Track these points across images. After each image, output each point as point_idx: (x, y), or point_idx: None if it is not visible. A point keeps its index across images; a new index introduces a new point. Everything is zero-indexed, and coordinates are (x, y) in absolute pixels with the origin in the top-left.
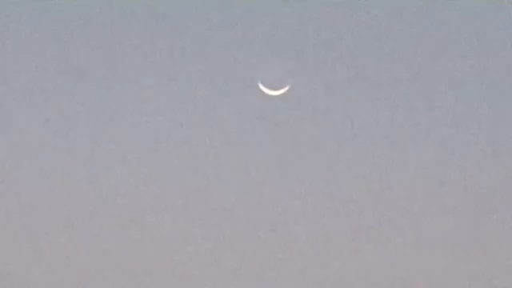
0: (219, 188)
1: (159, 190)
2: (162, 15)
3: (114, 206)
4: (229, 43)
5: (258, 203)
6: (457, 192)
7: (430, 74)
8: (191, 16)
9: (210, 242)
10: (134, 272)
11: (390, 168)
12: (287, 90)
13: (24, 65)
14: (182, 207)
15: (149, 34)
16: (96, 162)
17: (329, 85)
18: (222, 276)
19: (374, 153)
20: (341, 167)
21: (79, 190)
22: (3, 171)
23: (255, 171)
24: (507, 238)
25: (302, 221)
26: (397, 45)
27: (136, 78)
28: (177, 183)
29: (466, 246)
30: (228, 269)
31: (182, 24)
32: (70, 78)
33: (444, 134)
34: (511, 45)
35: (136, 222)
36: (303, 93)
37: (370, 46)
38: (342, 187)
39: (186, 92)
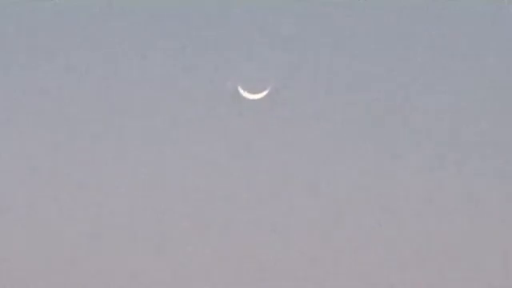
0: (205, 189)
1: (147, 192)
2: (146, 19)
3: (113, 207)
4: (207, 45)
5: (247, 205)
6: (456, 193)
7: (430, 75)
8: (172, 16)
9: (199, 245)
10: (134, 272)
11: (385, 170)
12: (268, 93)
13: (23, 64)
14: (170, 210)
15: (128, 40)
16: (94, 163)
17: (313, 86)
18: (222, 278)
19: (368, 153)
20: (329, 169)
21: (79, 190)
22: (3, 171)
23: (239, 175)
24: (507, 238)
25: (294, 224)
26: (386, 44)
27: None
28: (162, 184)
29: (466, 246)
30: (227, 271)
31: (165, 25)
32: (67, 78)
33: (444, 134)
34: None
35: (136, 223)
36: (285, 95)
37: (359, 46)
38: (332, 188)
39: (165, 97)
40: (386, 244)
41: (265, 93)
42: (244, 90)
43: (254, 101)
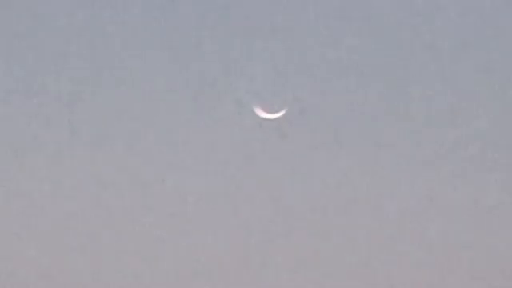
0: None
1: (148, 194)
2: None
3: (113, 207)
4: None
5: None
6: (456, 195)
7: (430, 76)
8: (187, 29)
9: (201, 249)
10: (134, 272)
11: (391, 188)
12: (284, 113)
13: (22, 62)
14: (174, 212)
15: (138, 48)
16: (94, 164)
17: (328, 106)
18: (221, 279)
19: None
20: (338, 188)
21: (78, 190)
22: (3, 171)
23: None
24: (507, 238)
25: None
26: (397, 57)
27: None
28: (169, 190)
29: (466, 247)
30: (226, 272)
31: (176, 38)
32: (65, 78)
33: (444, 135)
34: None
35: (136, 223)
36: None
37: (368, 59)
38: (340, 202)
39: (180, 111)
40: (387, 244)
41: (281, 113)
42: (260, 109)
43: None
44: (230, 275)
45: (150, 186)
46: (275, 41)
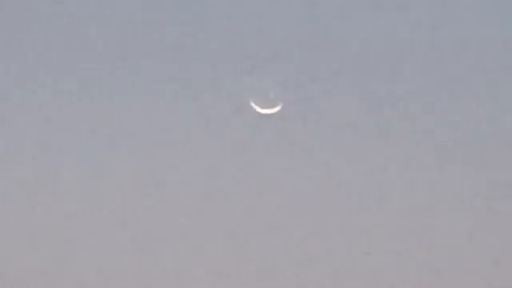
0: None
1: (154, 192)
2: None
3: (113, 207)
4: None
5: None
6: (456, 193)
7: (431, 77)
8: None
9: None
10: (134, 272)
11: (394, 182)
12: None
13: (21, 61)
14: (175, 215)
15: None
16: (94, 163)
17: (324, 99)
18: (221, 279)
19: (375, 162)
20: (340, 186)
21: (78, 190)
22: (3, 171)
23: (249, 191)
24: (507, 238)
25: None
26: (400, 61)
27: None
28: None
29: (466, 247)
30: (226, 272)
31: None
32: (65, 78)
33: (444, 135)
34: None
35: (136, 223)
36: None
37: (368, 58)
38: (341, 202)
39: (174, 105)
40: (387, 244)
41: (277, 108)
42: (256, 104)
43: (265, 115)
44: (230, 275)
45: (150, 186)
46: (277, 40)
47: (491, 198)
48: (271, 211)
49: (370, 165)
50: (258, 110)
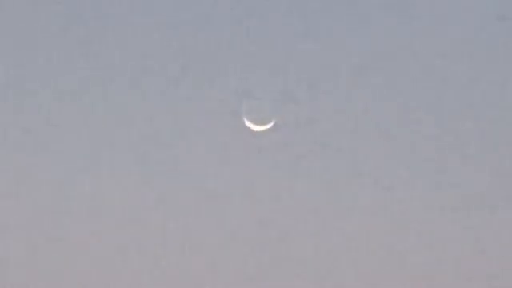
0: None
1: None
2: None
3: (113, 207)
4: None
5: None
6: (456, 193)
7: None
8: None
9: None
10: (134, 273)
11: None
12: (273, 125)
13: (22, 59)
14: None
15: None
16: (94, 162)
17: (317, 117)
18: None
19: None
20: (337, 201)
21: (79, 190)
22: (3, 171)
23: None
24: (507, 238)
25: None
26: (393, 74)
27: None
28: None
29: (466, 247)
30: (226, 272)
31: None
32: (65, 78)
33: (444, 135)
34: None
35: (136, 223)
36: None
37: (368, 59)
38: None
39: (170, 120)
40: (386, 245)
41: (270, 125)
42: (250, 121)
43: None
44: (230, 275)
45: (150, 186)
46: (275, 44)
47: (491, 198)
48: (271, 211)
49: (370, 166)
50: (252, 127)
